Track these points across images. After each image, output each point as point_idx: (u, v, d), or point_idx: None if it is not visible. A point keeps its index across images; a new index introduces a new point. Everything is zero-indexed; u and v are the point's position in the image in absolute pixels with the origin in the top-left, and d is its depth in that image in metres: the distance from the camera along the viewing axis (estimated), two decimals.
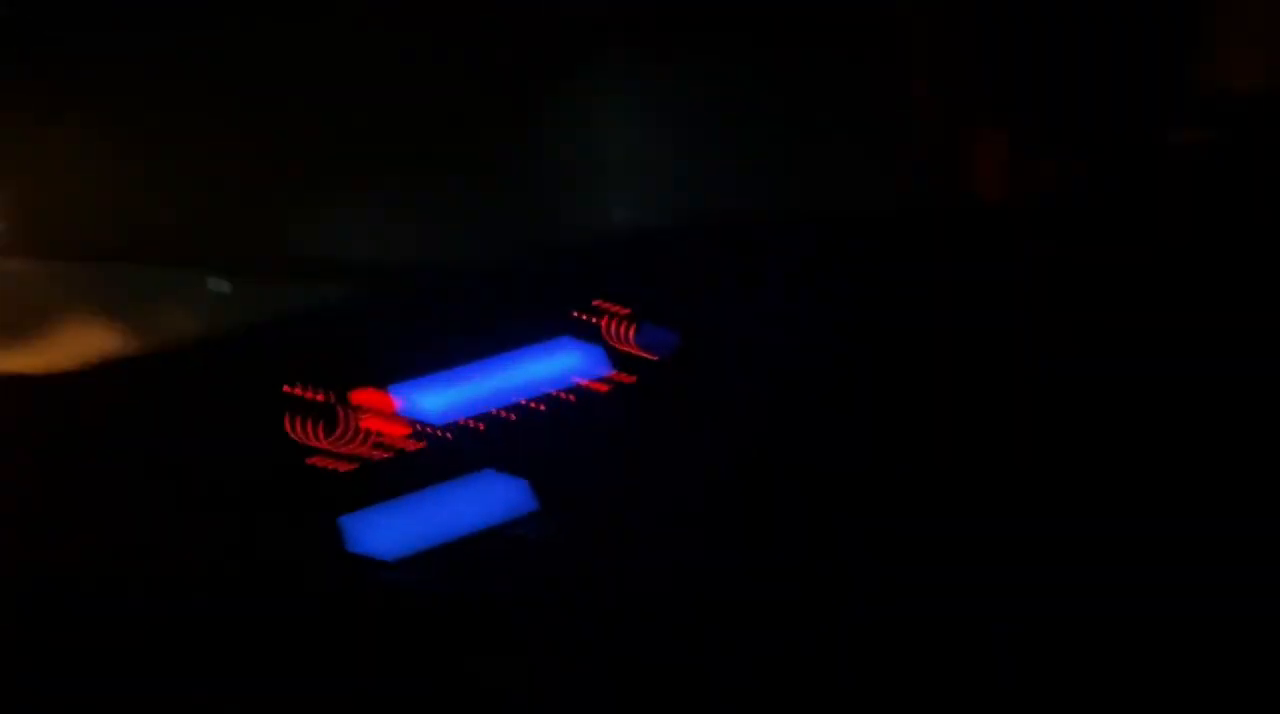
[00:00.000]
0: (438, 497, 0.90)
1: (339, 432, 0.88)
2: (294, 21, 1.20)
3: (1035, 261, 0.89)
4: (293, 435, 0.86)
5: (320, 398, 0.88)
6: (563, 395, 0.97)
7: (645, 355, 1.01)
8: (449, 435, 0.92)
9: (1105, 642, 0.83)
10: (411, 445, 0.90)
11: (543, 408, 0.97)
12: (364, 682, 0.78)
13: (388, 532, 0.86)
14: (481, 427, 0.94)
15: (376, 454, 0.89)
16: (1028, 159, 0.96)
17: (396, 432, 0.91)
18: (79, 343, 1.00)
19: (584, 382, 0.98)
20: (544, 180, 1.25)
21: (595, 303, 1.01)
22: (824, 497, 0.88)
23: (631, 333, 1.01)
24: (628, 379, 0.99)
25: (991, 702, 0.80)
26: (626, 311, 1.01)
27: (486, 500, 0.91)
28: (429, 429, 0.92)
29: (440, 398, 0.93)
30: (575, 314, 1.01)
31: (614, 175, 1.34)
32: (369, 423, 0.89)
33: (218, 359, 0.91)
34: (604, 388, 0.98)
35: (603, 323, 1.02)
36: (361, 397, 0.90)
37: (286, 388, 0.87)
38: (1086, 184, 0.98)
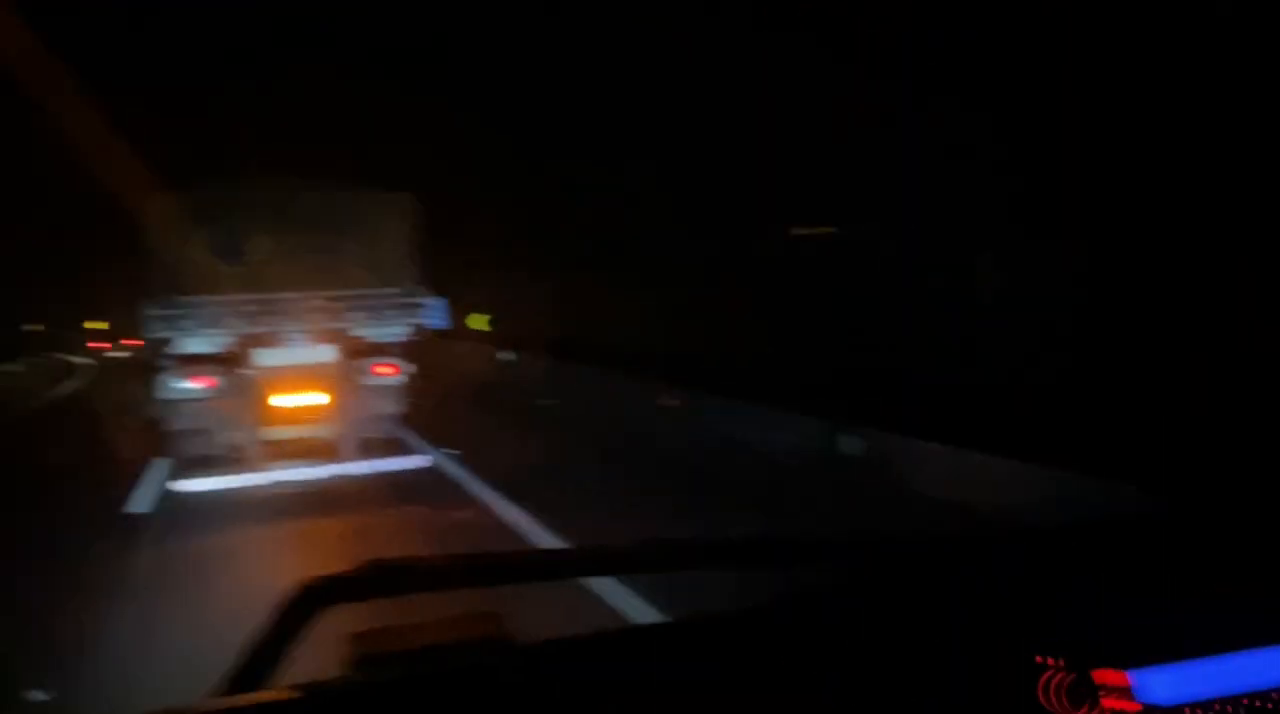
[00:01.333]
0: None
1: (1082, 710, 0.91)
2: None
3: None
4: (1047, 705, 0.90)
5: (1066, 672, 0.92)
6: None
7: None
8: None
9: None
10: None
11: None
12: None
13: None
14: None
15: None
16: None
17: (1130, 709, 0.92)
18: None
19: None
20: None
21: None
22: None
23: None
24: None
25: None
26: None
27: None
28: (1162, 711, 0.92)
29: (1177, 681, 0.93)
30: None
31: None
32: (1109, 702, 0.91)
33: (971, 621, 0.99)
34: None
35: None
36: (1103, 675, 0.92)
37: (1038, 659, 0.92)
38: None
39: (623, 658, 1.01)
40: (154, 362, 8.19)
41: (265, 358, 8.18)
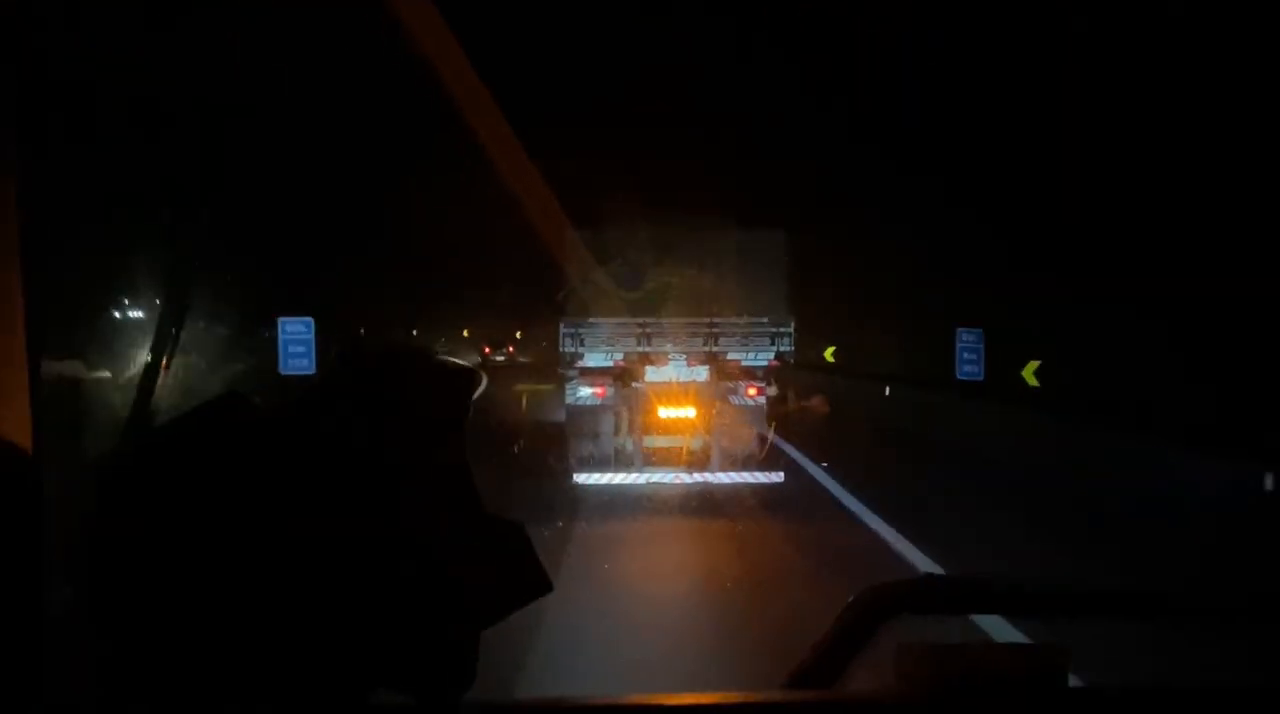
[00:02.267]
0: None
1: None
2: None
3: None
4: None
5: None
6: None
7: None
8: None
9: None
10: None
11: None
12: None
13: None
14: None
15: None
16: None
17: None
18: None
19: None
20: None
21: None
22: None
23: None
24: None
25: None
26: None
27: None
28: None
29: None
30: None
31: None
32: None
33: None
34: None
35: None
36: None
37: None
38: None
39: None
40: (564, 372, 9.69)
41: (650, 374, 9.38)
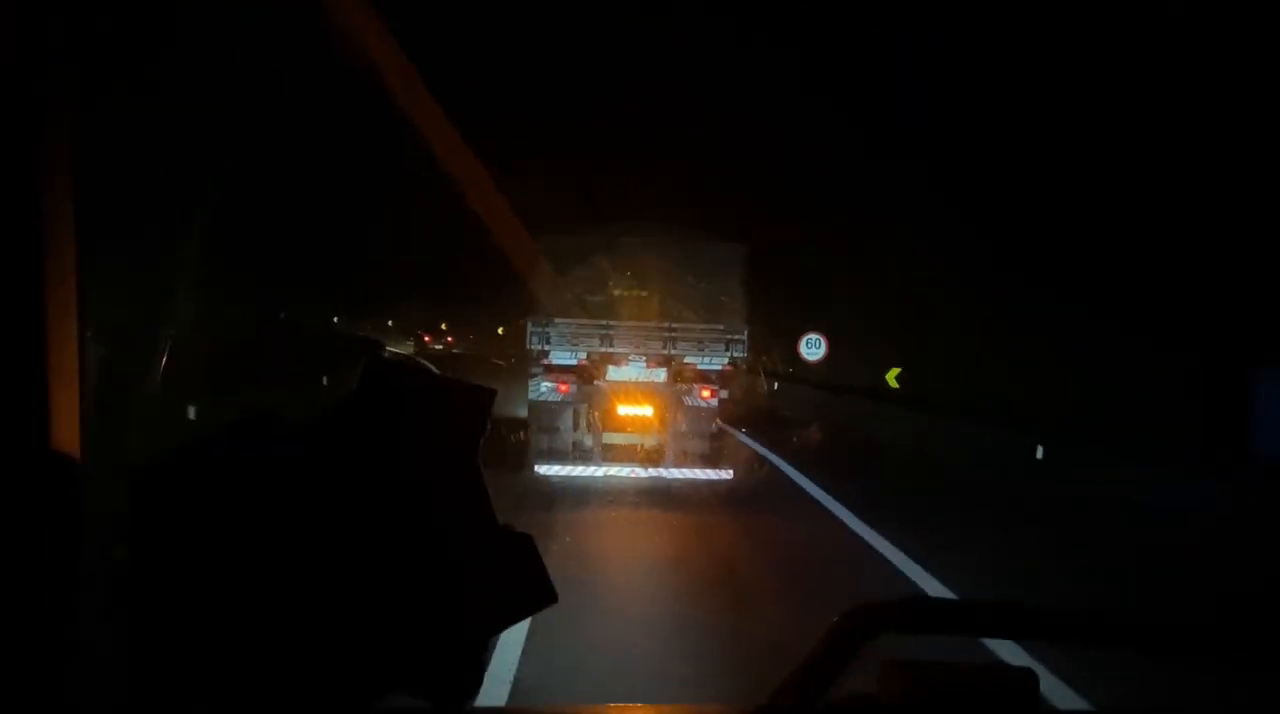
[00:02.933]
0: None
1: None
2: None
3: None
4: None
5: None
6: None
7: None
8: None
9: None
10: None
11: None
12: None
13: None
14: None
15: None
16: None
17: None
18: None
19: None
20: None
21: None
22: None
23: None
24: None
25: None
26: None
27: None
28: None
29: None
30: None
31: None
32: None
33: None
34: None
35: None
36: None
37: None
38: None
39: None
40: (529, 369, 10.19)
41: (611, 373, 9.95)
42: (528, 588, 0.89)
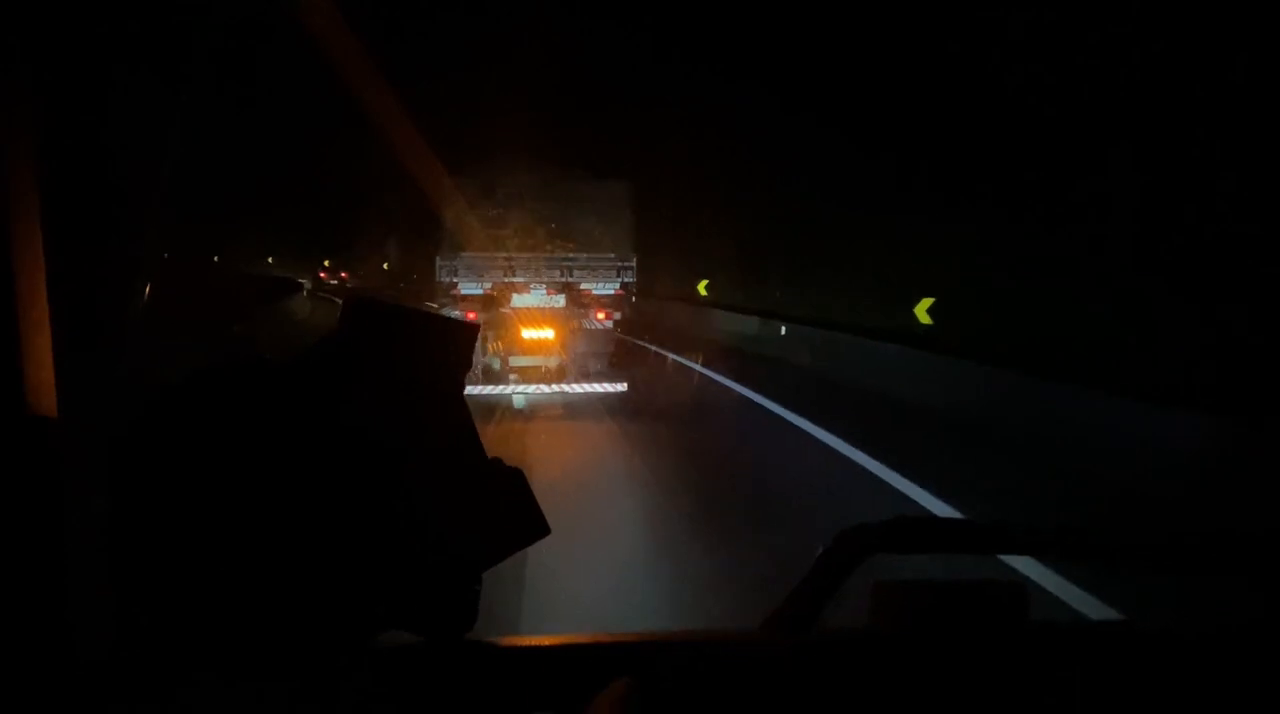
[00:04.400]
0: None
1: None
2: None
3: None
4: None
5: None
6: None
7: None
8: None
9: None
10: None
11: None
12: None
13: None
14: None
15: None
16: None
17: None
18: None
19: None
20: None
21: None
22: None
23: None
24: None
25: None
26: None
27: None
28: None
29: None
30: None
31: None
32: None
33: None
34: None
35: None
36: None
37: None
38: None
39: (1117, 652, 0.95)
40: (440, 302, 11.12)
41: (515, 301, 10.99)
42: (519, 521, 0.89)
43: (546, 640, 0.98)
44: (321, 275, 42.23)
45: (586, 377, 11.03)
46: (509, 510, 0.90)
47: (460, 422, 0.89)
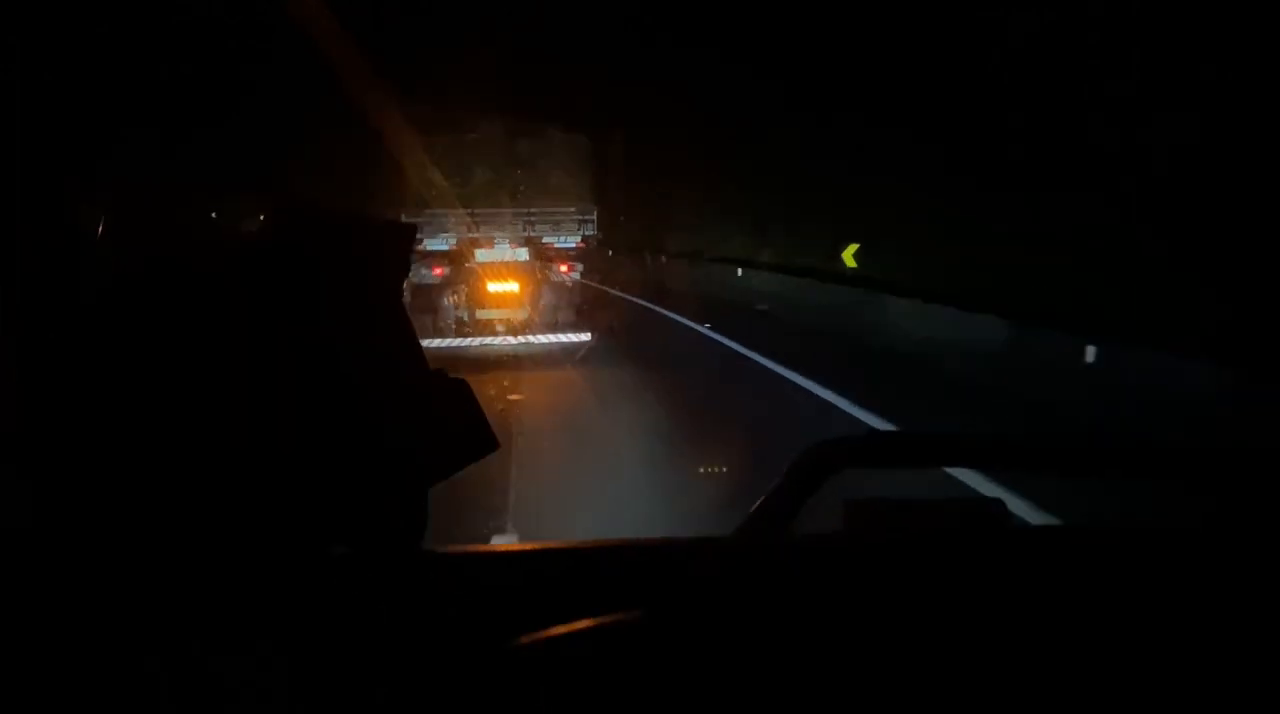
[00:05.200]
0: None
1: None
2: None
3: None
4: None
5: None
6: None
7: None
8: None
9: None
10: None
11: None
12: None
13: None
14: None
15: None
16: None
17: None
18: None
19: None
20: None
21: None
22: None
23: None
24: None
25: None
26: None
27: None
28: None
29: None
30: None
31: None
32: None
33: None
34: None
35: None
36: None
37: None
38: None
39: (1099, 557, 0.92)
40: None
41: (480, 256, 11.34)
42: (465, 435, 0.86)
43: (504, 548, 0.96)
44: None
45: (552, 328, 11.41)
46: (454, 423, 0.86)
47: (398, 328, 0.86)
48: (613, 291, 16.60)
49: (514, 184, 11.36)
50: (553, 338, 11.29)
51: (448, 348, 11.07)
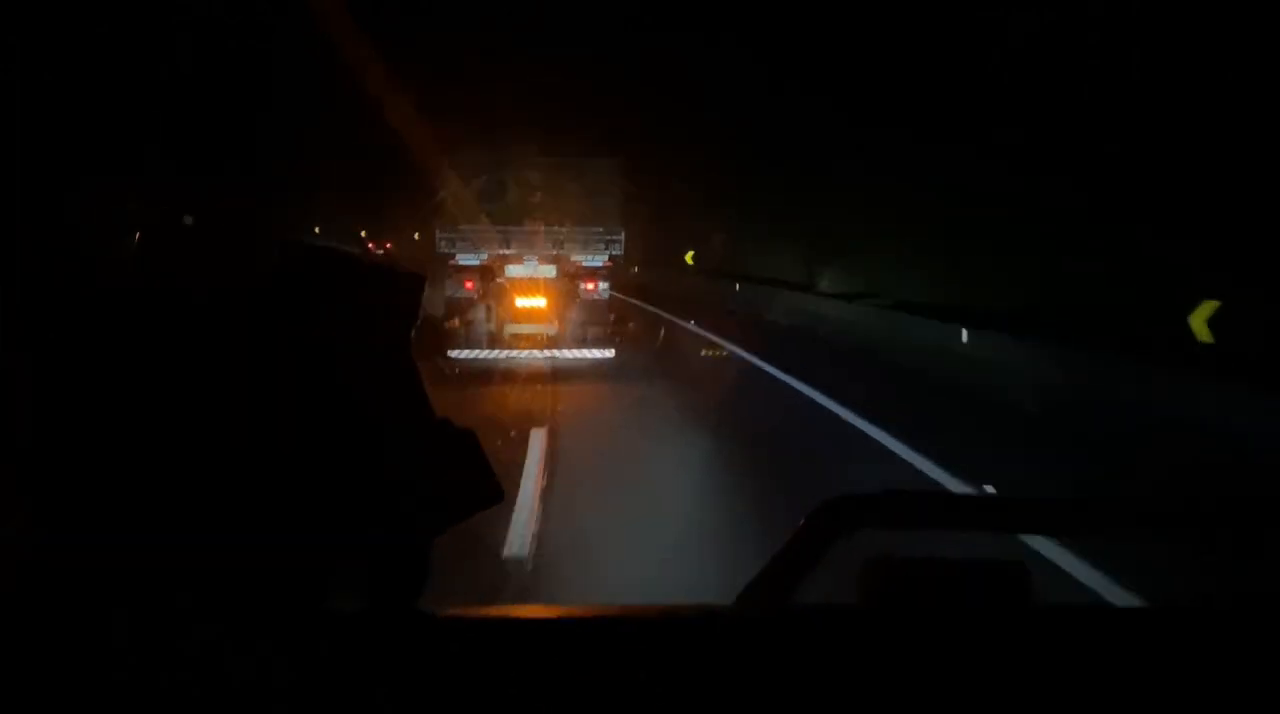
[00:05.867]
0: None
1: None
2: None
3: None
4: None
5: None
6: None
7: None
8: None
9: None
10: None
11: None
12: None
13: None
14: None
15: None
16: None
17: None
18: None
19: None
20: None
21: None
22: None
23: None
24: None
25: None
26: None
27: None
28: None
29: None
30: None
31: None
32: None
33: None
34: None
35: None
36: None
37: None
38: None
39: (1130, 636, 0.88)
40: (440, 272, 11.92)
41: (509, 271, 11.74)
42: (470, 486, 0.85)
43: (501, 612, 0.94)
44: (369, 245, 43.94)
45: (579, 343, 11.75)
46: (458, 474, 0.85)
47: (405, 377, 0.85)
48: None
49: (543, 204, 11.75)
50: (578, 353, 11.62)
51: (477, 358, 11.48)
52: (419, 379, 0.85)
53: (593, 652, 0.84)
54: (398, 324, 0.85)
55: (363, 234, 44.60)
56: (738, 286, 20.80)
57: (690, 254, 26.09)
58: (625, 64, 17.83)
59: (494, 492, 0.86)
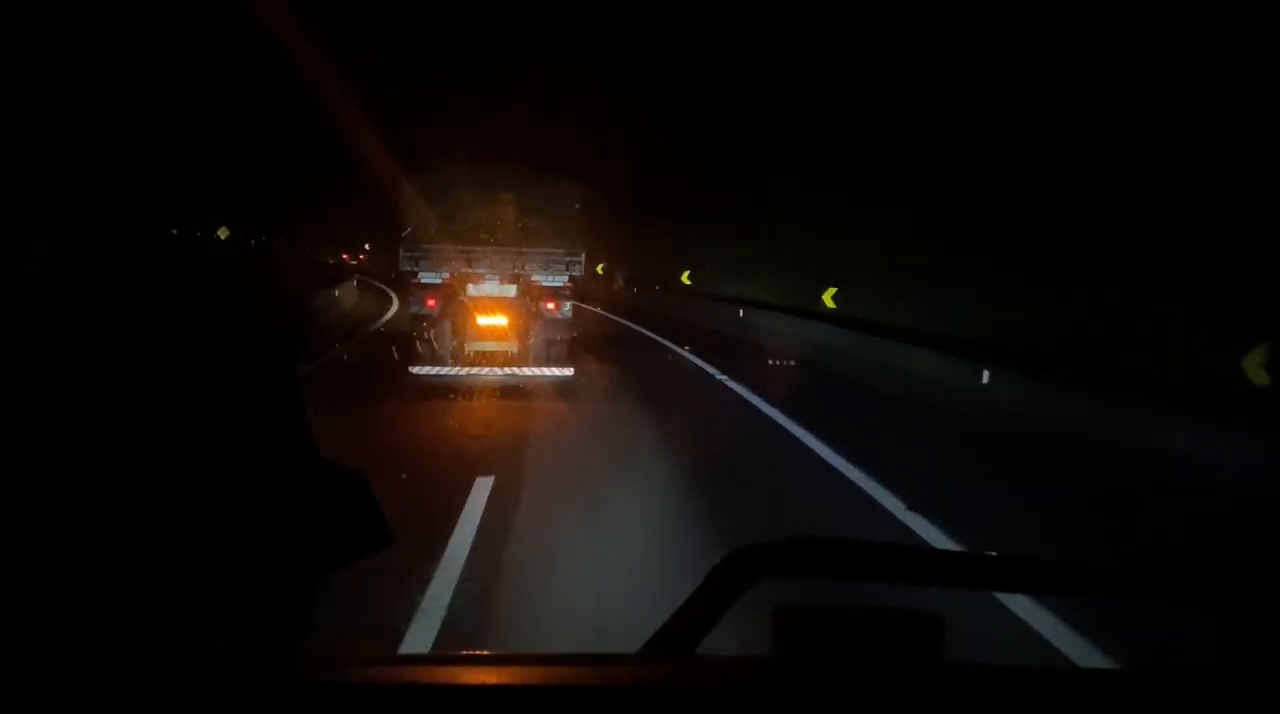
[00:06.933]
0: None
1: None
2: None
3: None
4: None
5: None
6: None
7: None
8: None
9: None
10: None
11: None
12: None
13: None
14: None
15: None
16: None
17: None
18: None
19: None
20: None
21: None
22: None
23: None
24: None
25: None
26: None
27: None
28: None
29: None
30: None
31: None
32: None
33: None
34: None
35: None
36: None
37: None
38: None
39: (1062, 699, 0.88)
40: (405, 290, 12.10)
41: (471, 290, 11.94)
42: (358, 529, 0.83)
43: (393, 658, 0.91)
44: (344, 257, 44.56)
45: (539, 361, 11.96)
46: (346, 517, 0.84)
47: (290, 415, 0.83)
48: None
49: (505, 224, 11.97)
50: (537, 371, 11.83)
51: (439, 375, 11.66)
52: (305, 418, 0.84)
53: (491, 702, 0.83)
54: (284, 357, 0.84)
55: (343, 254, 46.06)
56: (741, 312, 20.47)
57: (686, 274, 26.69)
58: (621, 78, 18.14)
59: (382, 536, 0.85)
